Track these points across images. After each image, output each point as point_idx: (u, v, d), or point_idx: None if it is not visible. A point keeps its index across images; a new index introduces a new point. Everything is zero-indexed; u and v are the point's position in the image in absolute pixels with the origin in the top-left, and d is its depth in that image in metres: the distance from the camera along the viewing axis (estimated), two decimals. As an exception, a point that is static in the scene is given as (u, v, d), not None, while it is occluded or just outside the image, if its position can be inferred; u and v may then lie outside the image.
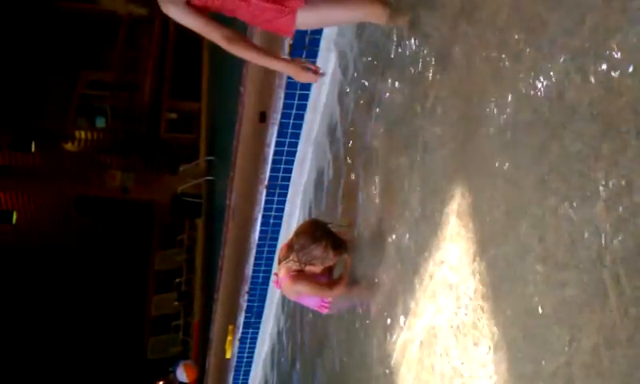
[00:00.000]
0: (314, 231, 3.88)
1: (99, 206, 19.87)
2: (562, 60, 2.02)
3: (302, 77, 3.18)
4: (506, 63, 2.37)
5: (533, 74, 2.18)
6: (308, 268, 3.95)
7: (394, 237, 3.58)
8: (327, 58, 5.18)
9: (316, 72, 3.20)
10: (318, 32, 5.09)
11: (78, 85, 20.36)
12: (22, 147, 19.08)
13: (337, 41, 4.99)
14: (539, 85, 2.14)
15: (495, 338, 2.39)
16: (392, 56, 3.73)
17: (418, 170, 3.27)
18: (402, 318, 3.40)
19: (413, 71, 3.37)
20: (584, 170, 1.90)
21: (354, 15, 3.45)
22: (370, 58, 4.25)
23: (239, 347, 8.09)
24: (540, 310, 2.10)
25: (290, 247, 4.02)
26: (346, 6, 3.27)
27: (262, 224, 6.47)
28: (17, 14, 18.15)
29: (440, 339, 2.90)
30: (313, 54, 5.24)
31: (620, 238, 1.74)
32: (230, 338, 8.21)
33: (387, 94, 3.82)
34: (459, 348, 2.69)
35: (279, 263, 4.17)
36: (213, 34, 3.02)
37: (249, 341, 8.02)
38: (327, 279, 4.21)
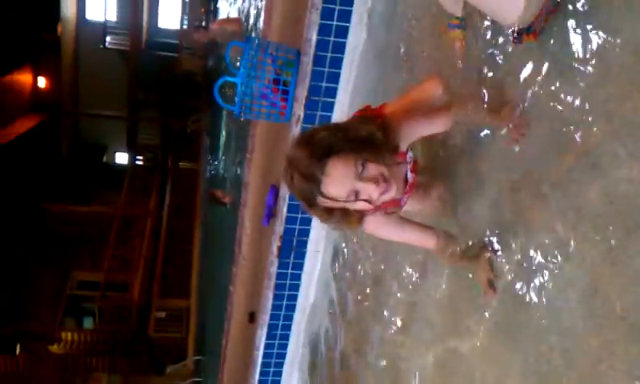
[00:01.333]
0: None
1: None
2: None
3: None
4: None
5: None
6: None
7: None
8: (315, 259, 5.25)
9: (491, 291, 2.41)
10: (306, 234, 5.20)
11: (68, 285, 20.31)
12: (7, 350, 18.51)
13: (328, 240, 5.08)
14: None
15: None
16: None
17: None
18: None
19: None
20: None
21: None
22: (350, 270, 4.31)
23: None
24: None
25: None
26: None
27: (252, 434, 6.11)
28: (5, 216, 18.50)
29: None
30: (300, 256, 5.31)
31: None
32: None
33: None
34: None
35: None
36: (429, 241, 2.50)
37: None
38: None
